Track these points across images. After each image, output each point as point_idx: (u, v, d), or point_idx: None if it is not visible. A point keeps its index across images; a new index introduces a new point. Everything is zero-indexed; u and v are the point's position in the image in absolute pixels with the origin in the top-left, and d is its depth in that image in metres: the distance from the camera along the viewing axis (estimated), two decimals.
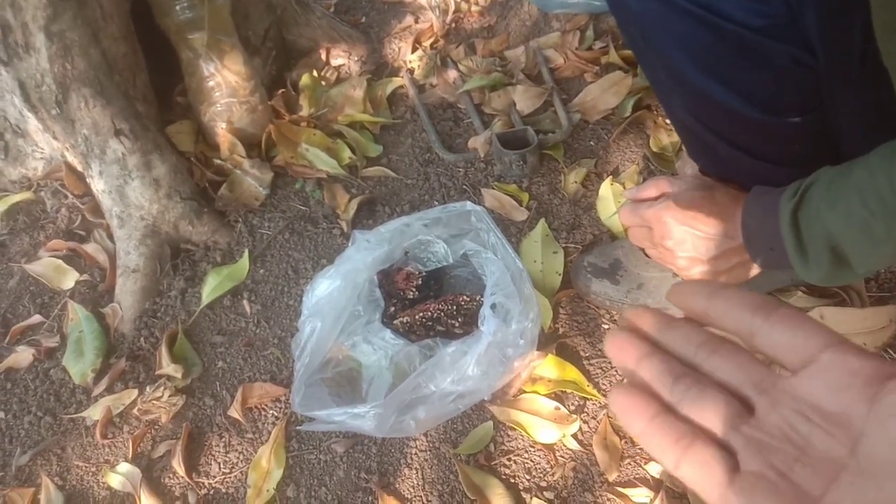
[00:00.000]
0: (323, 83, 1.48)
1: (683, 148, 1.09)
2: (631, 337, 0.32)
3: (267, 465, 0.97)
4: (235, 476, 0.98)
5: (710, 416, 0.29)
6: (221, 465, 0.99)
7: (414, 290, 1.05)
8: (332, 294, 0.99)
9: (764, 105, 0.74)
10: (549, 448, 0.93)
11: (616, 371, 0.99)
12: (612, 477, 0.89)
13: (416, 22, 1.62)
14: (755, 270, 0.83)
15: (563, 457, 0.93)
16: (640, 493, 0.88)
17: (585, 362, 1.01)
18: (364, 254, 1.03)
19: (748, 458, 0.28)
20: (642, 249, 0.97)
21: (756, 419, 0.29)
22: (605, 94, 1.33)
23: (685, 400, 0.30)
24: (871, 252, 0.65)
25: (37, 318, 1.20)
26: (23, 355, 1.14)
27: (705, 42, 0.70)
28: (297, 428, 0.99)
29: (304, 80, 1.45)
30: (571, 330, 1.04)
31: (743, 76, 0.72)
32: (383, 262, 1.06)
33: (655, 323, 0.33)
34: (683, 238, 0.81)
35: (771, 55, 0.68)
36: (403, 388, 0.88)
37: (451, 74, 1.47)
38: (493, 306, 0.94)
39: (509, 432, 0.96)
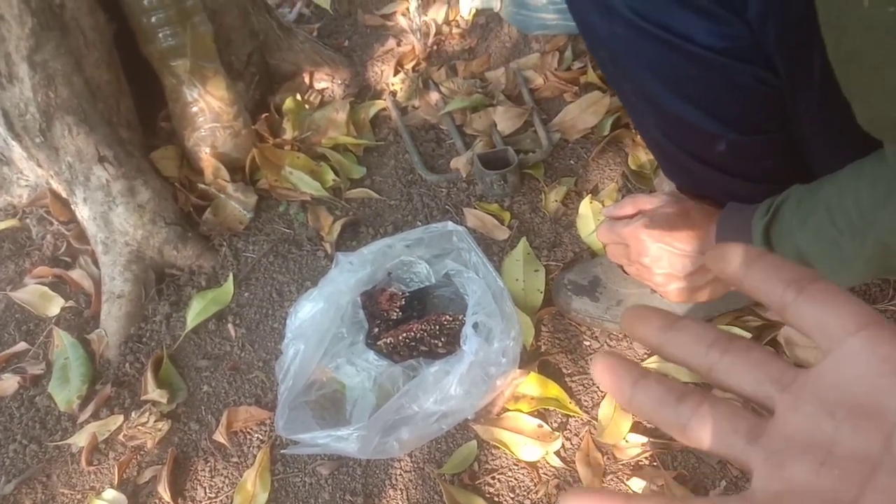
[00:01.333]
0: (306, 107, 1.49)
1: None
2: (619, 360, 0.29)
3: (252, 489, 0.97)
4: (221, 500, 0.98)
5: (722, 434, 0.26)
6: (207, 490, 0.99)
7: (397, 310, 1.06)
8: (316, 317, 1.00)
9: (733, 124, 0.76)
10: (533, 466, 0.94)
11: (597, 387, 1.00)
12: None
13: (398, 45, 1.64)
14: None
15: (546, 474, 0.94)
16: None
17: (567, 379, 1.02)
18: (347, 276, 1.04)
19: (768, 474, 0.25)
20: (620, 266, 0.98)
21: (775, 423, 0.26)
22: (584, 113, 1.35)
23: (694, 419, 0.27)
24: (840, 268, 0.67)
25: (22, 345, 1.20)
26: (8, 383, 1.14)
27: (672, 64, 0.71)
28: (282, 451, 1.00)
29: (288, 103, 1.46)
30: (553, 347, 1.05)
31: (710, 97, 0.74)
32: (366, 284, 1.07)
33: (659, 323, 0.29)
34: (659, 255, 0.82)
35: (735, 75, 0.70)
36: (386, 410, 0.89)
37: (433, 96, 1.49)
38: (475, 325, 0.95)
39: (493, 451, 0.96)
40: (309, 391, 0.99)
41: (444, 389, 0.90)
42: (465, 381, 0.91)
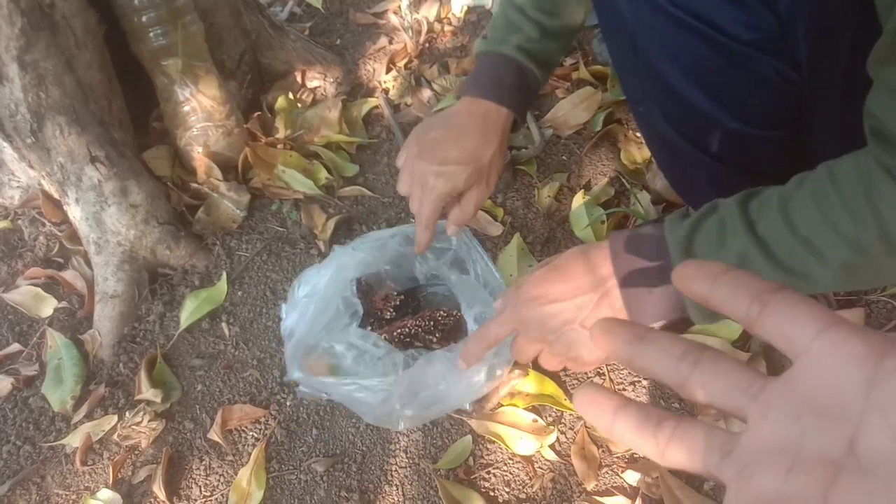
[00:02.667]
0: (298, 105, 1.49)
1: (653, 160, 1.11)
2: (600, 390, 0.30)
3: (247, 487, 0.97)
4: (216, 499, 0.98)
5: (699, 453, 0.27)
6: (202, 489, 0.99)
7: (391, 310, 1.06)
8: (320, 287, 0.98)
9: (745, 116, 0.74)
10: (528, 460, 0.94)
11: (593, 381, 1.00)
12: (590, 486, 0.90)
13: (390, 43, 1.64)
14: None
15: (541, 468, 0.94)
16: (618, 502, 0.89)
17: (562, 373, 1.02)
18: (351, 254, 1.02)
19: (738, 488, 0.25)
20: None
21: (746, 434, 0.26)
22: (576, 109, 1.36)
23: (672, 441, 0.27)
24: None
25: (15, 346, 1.20)
26: (1, 384, 1.14)
27: (695, 51, 0.70)
28: (297, 390, 0.99)
29: (280, 102, 1.46)
30: None
31: (728, 87, 0.72)
32: (367, 268, 1.05)
33: (627, 337, 0.29)
34: (542, 318, 0.67)
35: (758, 68, 0.69)
36: (417, 372, 0.86)
37: (426, 94, 1.49)
38: (476, 319, 0.94)
39: (488, 445, 0.96)
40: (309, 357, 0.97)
41: (469, 374, 0.88)
42: (485, 371, 0.90)
